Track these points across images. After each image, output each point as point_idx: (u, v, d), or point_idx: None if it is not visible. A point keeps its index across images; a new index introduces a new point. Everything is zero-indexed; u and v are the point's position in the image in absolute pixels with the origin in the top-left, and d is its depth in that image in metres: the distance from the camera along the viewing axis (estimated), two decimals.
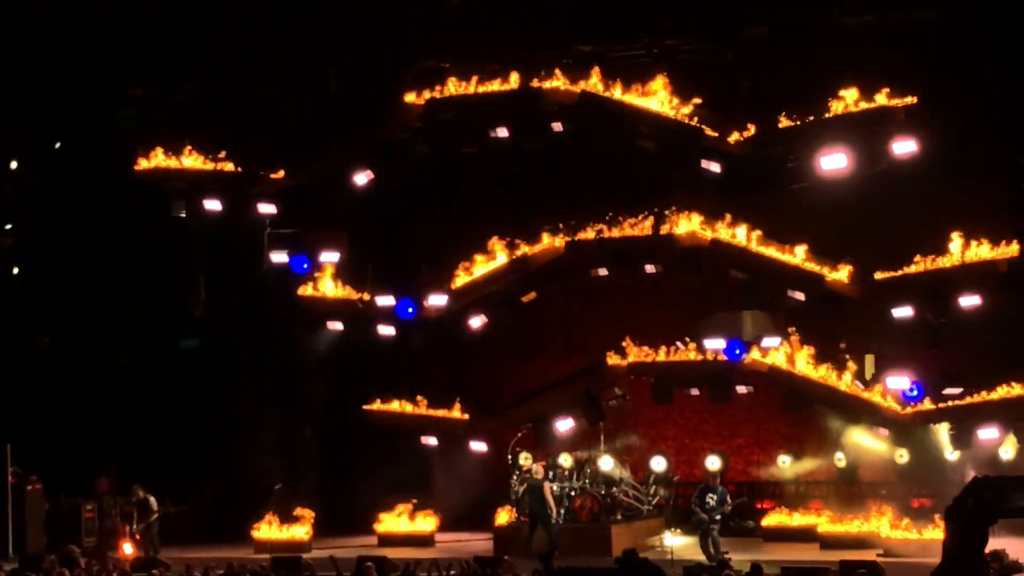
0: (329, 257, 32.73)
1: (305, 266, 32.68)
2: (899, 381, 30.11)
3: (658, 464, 33.14)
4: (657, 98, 30.64)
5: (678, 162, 30.97)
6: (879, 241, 31.18)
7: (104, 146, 34.40)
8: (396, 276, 33.51)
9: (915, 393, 29.96)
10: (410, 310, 32.66)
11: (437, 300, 32.69)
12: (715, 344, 30.71)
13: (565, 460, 31.48)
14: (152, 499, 30.86)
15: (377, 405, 33.27)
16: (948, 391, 29.83)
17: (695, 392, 31.83)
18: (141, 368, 36.46)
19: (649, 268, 31.10)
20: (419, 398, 33.19)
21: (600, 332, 33.52)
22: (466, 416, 33.00)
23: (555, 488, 30.98)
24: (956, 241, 29.34)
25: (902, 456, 30.80)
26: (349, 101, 32.61)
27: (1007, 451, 30.17)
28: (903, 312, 29.63)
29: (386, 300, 32.79)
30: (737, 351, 30.50)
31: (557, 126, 30.72)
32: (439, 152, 32.13)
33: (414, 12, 31.39)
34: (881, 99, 29.06)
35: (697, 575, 22.52)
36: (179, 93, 33.18)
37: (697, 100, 30.49)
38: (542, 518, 29.92)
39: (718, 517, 28.51)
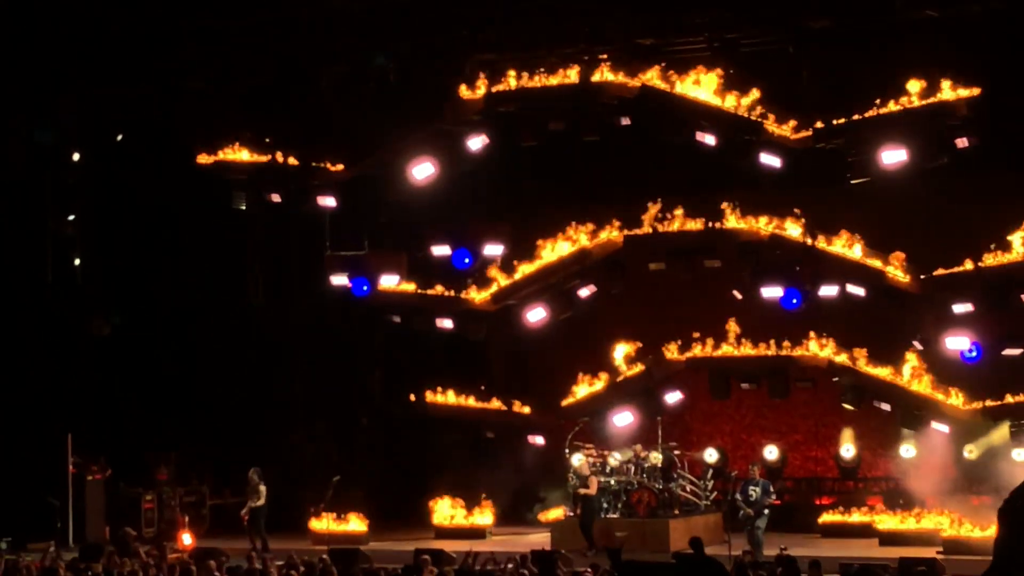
0: (389, 280, 32.71)
1: (365, 288, 32.69)
2: (958, 341, 29.67)
3: (710, 456, 33.08)
4: (716, 92, 30.49)
5: (737, 156, 30.82)
6: (940, 235, 30.97)
7: (165, 137, 34.58)
8: (451, 228, 33.37)
9: (974, 354, 29.50)
10: (466, 260, 32.66)
11: (493, 250, 32.69)
12: (772, 292, 30.46)
13: (614, 459, 31.40)
14: (263, 487, 30.92)
15: (434, 397, 33.32)
16: (1008, 351, 29.40)
17: (754, 387, 31.72)
18: (200, 357, 36.62)
19: (709, 263, 31.00)
20: (477, 390, 33.25)
21: (658, 325, 33.46)
22: (523, 409, 33.03)
23: (612, 483, 30.98)
24: (1018, 236, 29.09)
25: (971, 452, 30.56)
26: (408, 93, 32.60)
27: None
28: (964, 308, 29.36)
29: (442, 250, 32.76)
30: (794, 300, 30.20)
31: (617, 120, 30.60)
32: (498, 144, 32.08)
33: (474, 3, 31.40)
34: (943, 93, 28.81)
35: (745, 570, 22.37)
36: (240, 83, 33.31)
37: (756, 93, 30.30)
38: (585, 516, 29.80)
39: (766, 512, 28.38)
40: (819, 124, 29.96)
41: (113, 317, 35.20)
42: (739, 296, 31.49)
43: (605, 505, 30.94)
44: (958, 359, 29.61)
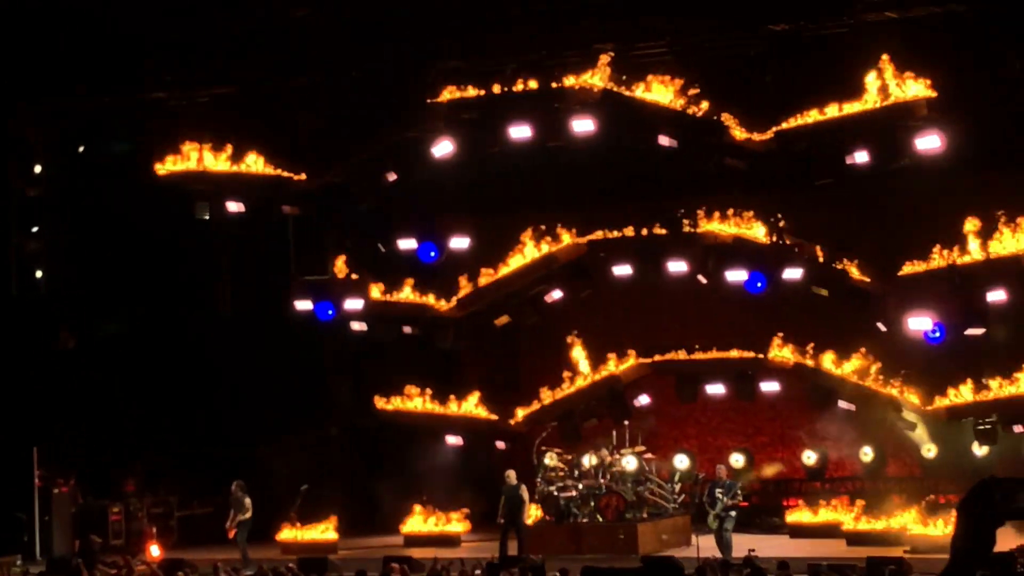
0: (354, 304, 32.63)
1: (330, 312, 32.60)
2: (921, 322, 29.60)
3: (681, 462, 33.20)
4: (679, 96, 30.53)
5: (701, 159, 30.91)
6: (903, 236, 31.12)
7: (128, 148, 34.47)
8: (416, 223, 33.27)
9: (937, 334, 29.51)
10: (432, 254, 32.59)
11: (459, 243, 32.64)
12: (737, 276, 30.35)
13: (590, 459, 31.43)
14: (247, 499, 30.75)
15: (400, 404, 33.32)
16: (971, 332, 29.46)
17: (720, 390, 31.80)
18: (167, 369, 36.51)
19: (673, 267, 31.06)
20: (449, 397, 33.31)
21: (625, 329, 33.52)
22: (491, 415, 33.07)
23: (581, 487, 31.03)
24: (978, 236, 29.22)
25: (930, 450, 30.72)
26: (372, 102, 32.59)
27: None
28: (922, 324, 29.45)
29: (408, 244, 32.69)
30: (759, 284, 30.11)
31: (579, 125, 30.63)
32: (461, 152, 32.07)
33: (437, 11, 31.39)
34: (904, 94, 28.91)
35: (714, 571, 22.43)
36: (202, 95, 33.23)
37: (703, 100, 30.35)
38: (517, 525, 29.75)
39: (733, 513, 28.44)
40: (782, 126, 30.05)
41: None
42: (704, 280, 31.43)
43: (575, 510, 30.98)
44: (921, 340, 29.64)
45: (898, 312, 29.77)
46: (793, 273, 30.08)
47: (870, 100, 29.08)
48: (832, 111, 29.49)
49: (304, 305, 32.76)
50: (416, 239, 32.63)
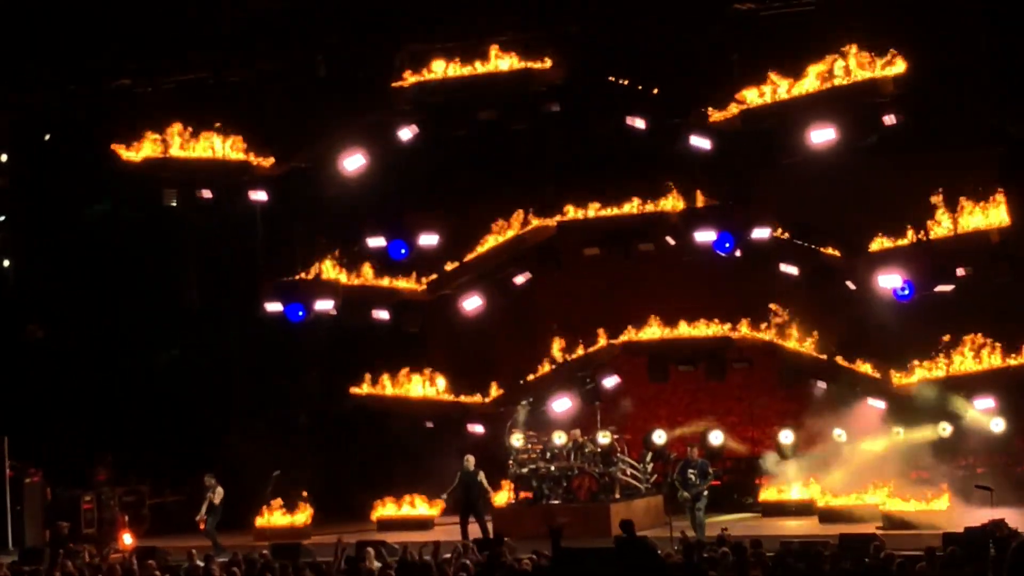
0: (323, 305, 32.53)
1: (300, 314, 32.44)
2: (890, 279, 29.67)
3: (659, 437, 33.12)
4: (645, 76, 30.54)
5: (668, 139, 30.89)
6: (870, 213, 31.16)
7: (94, 137, 34.27)
8: (387, 219, 33.21)
9: (906, 292, 29.57)
10: (403, 251, 32.49)
11: (428, 240, 32.57)
12: (704, 236, 30.37)
13: (560, 438, 31.41)
14: (220, 488, 30.62)
15: (371, 389, 33.27)
16: (940, 288, 29.54)
17: (691, 369, 31.84)
18: (137, 358, 36.37)
19: (643, 246, 31.08)
20: (415, 380, 33.28)
21: (595, 311, 33.52)
22: (462, 398, 33.05)
23: (552, 468, 31.02)
24: (946, 212, 29.30)
25: (898, 433, 30.78)
26: (338, 86, 32.48)
27: (997, 424, 30.22)
28: (891, 282, 29.49)
29: (377, 242, 32.61)
30: (727, 244, 30.02)
31: (546, 107, 30.59)
32: (429, 135, 32.02)
33: None
34: (870, 71, 28.93)
35: (692, 549, 22.47)
36: (167, 81, 33.06)
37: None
38: (475, 509, 29.67)
39: (705, 492, 28.43)
40: (748, 105, 30.03)
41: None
42: (672, 242, 31.39)
43: (546, 491, 30.98)
44: (891, 297, 29.67)
45: (867, 276, 29.88)
46: (761, 233, 30.00)
47: (836, 78, 29.10)
48: (798, 89, 29.48)
49: (274, 307, 32.54)
50: (385, 237, 32.55)
